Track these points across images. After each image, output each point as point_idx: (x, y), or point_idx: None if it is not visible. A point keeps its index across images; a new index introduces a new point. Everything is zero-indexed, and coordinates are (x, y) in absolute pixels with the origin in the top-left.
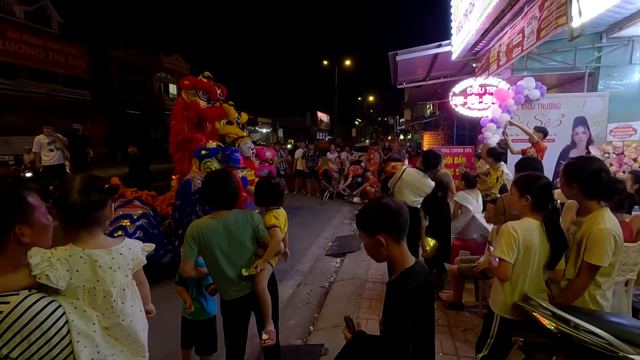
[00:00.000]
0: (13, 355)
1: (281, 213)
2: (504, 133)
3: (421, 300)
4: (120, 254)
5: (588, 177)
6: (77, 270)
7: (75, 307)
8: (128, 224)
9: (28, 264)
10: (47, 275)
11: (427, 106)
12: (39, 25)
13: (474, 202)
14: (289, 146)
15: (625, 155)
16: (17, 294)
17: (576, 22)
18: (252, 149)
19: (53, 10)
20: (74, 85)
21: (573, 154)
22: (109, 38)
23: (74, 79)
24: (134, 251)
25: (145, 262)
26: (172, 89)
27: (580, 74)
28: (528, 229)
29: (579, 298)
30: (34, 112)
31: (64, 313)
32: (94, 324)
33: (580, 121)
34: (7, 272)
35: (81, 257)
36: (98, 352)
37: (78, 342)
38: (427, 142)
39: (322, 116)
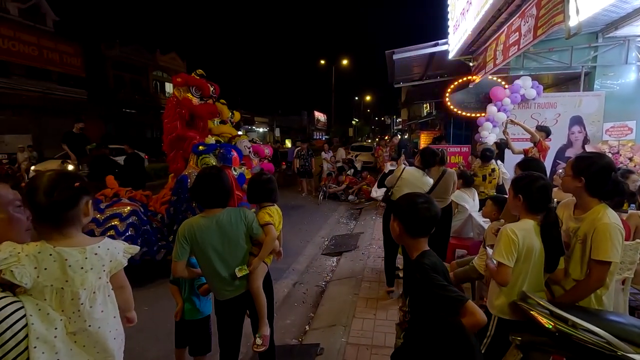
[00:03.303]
0: None
1: (275, 210)
2: (504, 132)
3: (438, 273)
4: (95, 253)
5: (597, 172)
6: (45, 269)
7: (40, 309)
8: (118, 222)
9: None
10: (12, 271)
11: (424, 106)
12: (34, 23)
13: (470, 201)
14: (289, 145)
15: (620, 155)
16: None
17: (573, 21)
18: (249, 148)
19: (48, 8)
20: (69, 84)
21: (569, 153)
22: (104, 36)
23: (69, 77)
24: (113, 252)
25: (126, 264)
26: (168, 87)
27: (576, 74)
28: (527, 230)
29: (585, 299)
30: (28, 110)
31: (24, 316)
32: (56, 328)
33: (576, 120)
34: None
35: (51, 254)
36: (57, 359)
37: (35, 347)
38: (424, 142)
39: (319, 116)
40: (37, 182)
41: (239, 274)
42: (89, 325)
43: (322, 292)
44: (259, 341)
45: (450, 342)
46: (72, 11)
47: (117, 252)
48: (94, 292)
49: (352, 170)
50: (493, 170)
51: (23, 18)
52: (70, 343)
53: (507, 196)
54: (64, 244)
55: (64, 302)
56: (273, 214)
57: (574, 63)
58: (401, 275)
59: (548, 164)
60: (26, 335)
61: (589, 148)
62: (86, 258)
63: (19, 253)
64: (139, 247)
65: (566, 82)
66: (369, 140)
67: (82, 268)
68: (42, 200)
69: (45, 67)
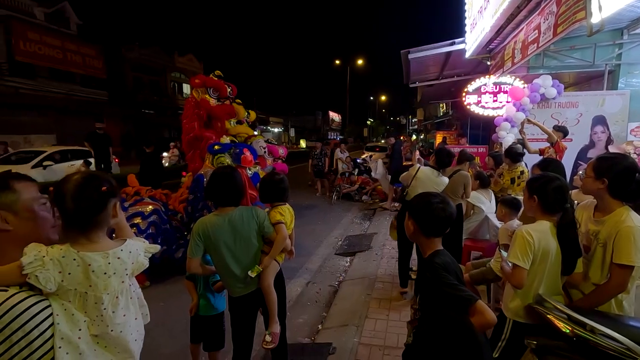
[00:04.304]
0: None
1: (287, 209)
2: (521, 132)
3: (450, 273)
4: (118, 257)
5: (620, 173)
6: (69, 273)
7: (65, 310)
8: (140, 221)
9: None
10: (37, 276)
11: (440, 105)
12: (58, 27)
13: (486, 202)
14: (303, 145)
15: None
16: (6, 290)
17: (595, 18)
18: (264, 148)
19: (71, 12)
20: (91, 85)
21: (591, 154)
22: (124, 39)
23: (90, 79)
24: (135, 254)
25: (147, 265)
26: (186, 88)
27: (599, 72)
28: (543, 232)
29: (605, 304)
30: (53, 111)
31: (50, 315)
32: (80, 329)
33: (599, 120)
34: (2, 263)
35: (75, 259)
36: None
37: (60, 347)
38: (440, 142)
39: (334, 116)
40: (64, 187)
41: (252, 274)
42: (111, 330)
43: (335, 291)
44: (268, 338)
45: (458, 341)
46: (94, 15)
47: (138, 253)
48: (117, 297)
49: (357, 170)
50: (522, 172)
51: (48, 22)
52: (93, 344)
53: (514, 196)
54: (89, 248)
55: (87, 306)
56: (284, 212)
57: (597, 61)
58: (414, 276)
59: (566, 164)
60: (52, 335)
61: (612, 149)
62: (109, 263)
63: (43, 257)
64: (159, 246)
65: (588, 80)
66: (383, 141)
67: (105, 273)
68: (70, 205)
69: (69, 70)
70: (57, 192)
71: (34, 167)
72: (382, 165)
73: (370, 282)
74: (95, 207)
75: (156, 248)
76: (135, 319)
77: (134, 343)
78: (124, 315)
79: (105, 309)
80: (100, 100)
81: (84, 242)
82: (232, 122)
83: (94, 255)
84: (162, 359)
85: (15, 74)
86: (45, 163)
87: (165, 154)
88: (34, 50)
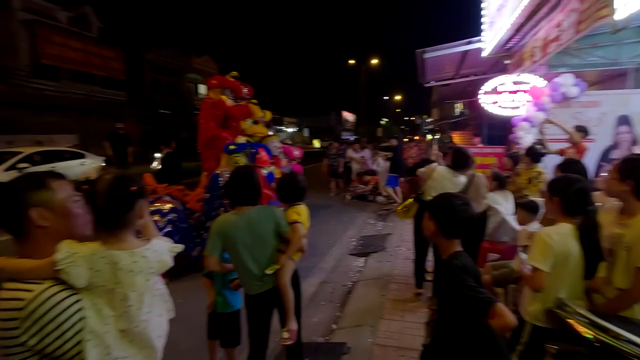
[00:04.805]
0: (30, 343)
1: (303, 209)
2: (541, 131)
3: (469, 275)
4: (144, 256)
5: None
6: (98, 270)
7: (94, 304)
8: (159, 218)
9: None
10: (68, 272)
11: (457, 105)
12: (80, 30)
13: (504, 204)
14: (317, 145)
15: None
16: (41, 284)
17: (620, 14)
18: (279, 148)
19: (93, 15)
20: (111, 86)
21: (615, 154)
22: (143, 41)
23: (110, 81)
24: (160, 253)
25: (171, 264)
26: (202, 89)
27: (624, 70)
28: (564, 234)
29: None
30: (75, 112)
31: (80, 309)
32: (107, 324)
33: (624, 120)
34: (38, 257)
35: (103, 257)
36: (108, 353)
37: (89, 340)
38: (458, 141)
39: (348, 116)
40: (97, 186)
41: (268, 272)
42: (136, 326)
43: (348, 291)
44: (285, 335)
45: (477, 343)
46: (114, 18)
47: (163, 252)
48: (142, 295)
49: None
50: (540, 173)
51: (71, 25)
52: (119, 338)
53: (531, 199)
54: (117, 247)
55: (114, 302)
56: (301, 212)
57: (622, 59)
58: (429, 278)
59: (587, 165)
60: (82, 328)
61: (638, 149)
62: (135, 261)
63: (75, 254)
64: (182, 246)
65: (612, 79)
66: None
67: (131, 271)
68: (101, 203)
69: (90, 71)
70: (90, 190)
71: (7, 169)
72: (382, 161)
73: (384, 283)
74: (123, 206)
75: (180, 247)
76: (159, 316)
77: (157, 339)
78: (148, 313)
79: (130, 305)
80: (119, 101)
81: (112, 241)
82: (248, 122)
83: (122, 253)
84: (180, 354)
85: (40, 76)
86: (20, 165)
87: (157, 154)
88: (57, 53)
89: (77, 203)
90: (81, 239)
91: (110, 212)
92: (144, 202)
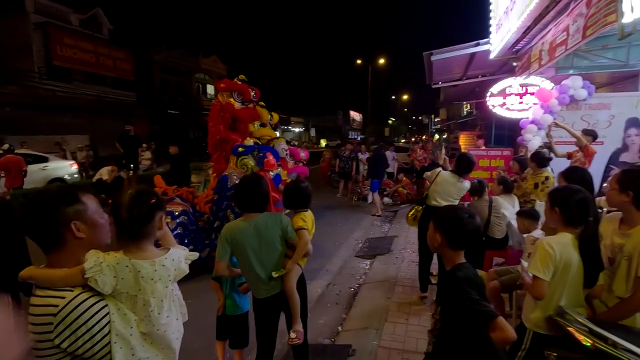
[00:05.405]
0: (63, 346)
1: (309, 215)
2: (548, 135)
3: (472, 287)
4: (163, 265)
5: None
6: (122, 278)
7: (119, 309)
8: (169, 220)
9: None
10: (96, 280)
11: (464, 105)
12: (92, 32)
13: (510, 208)
14: (323, 144)
15: None
16: (72, 290)
17: (627, 19)
18: (286, 150)
19: (104, 17)
20: (121, 87)
21: (624, 157)
22: (152, 41)
23: (120, 81)
24: (177, 262)
25: (188, 271)
26: (210, 89)
27: (634, 72)
28: (565, 244)
29: (629, 318)
30: (86, 113)
31: (108, 313)
32: (131, 327)
33: (634, 122)
34: (69, 266)
35: (127, 266)
36: (133, 354)
37: (115, 342)
38: (463, 142)
39: (355, 115)
40: (120, 200)
41: (275, 276)
42: (157, 330)
43: (354, 294)
44: (293, 335)
45: (478, 355)
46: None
47: (180, 260)
48: (162, 300)
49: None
50: (547, 178)
51: (83, 27)
52: (142, 340)
53: (529, 207)
54: (138, 256)
55: (136, 307)
56: (307, 219)
57: (632, 61)
58: (434, 281)
59: (594, 169)
60: (109, 331)
61: None
62: (155, 270)
63: (101, 263)
64: (197, 254)
65: (622, 81)
66: (403, 141)
67: (152, 279)
68: (124, 215)
69: (101, 73)
70: (114, 204)
71: None
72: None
73: (390, 286)
74: (144, 218)
75: (195, 255)
76: (177, 319)
77: (176, 341)
78: (167, 317)
79: (152, 310)
80: (129, 102)
81: (134, 251)
82: (255, 125)
83: (143, 262)
84: (190, 355)
85: (52, 78)
86: None
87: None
88: (69, 55)
89: (101, 214)
90: (103, 248)
91: (133, 223)
92: (162, 213)
